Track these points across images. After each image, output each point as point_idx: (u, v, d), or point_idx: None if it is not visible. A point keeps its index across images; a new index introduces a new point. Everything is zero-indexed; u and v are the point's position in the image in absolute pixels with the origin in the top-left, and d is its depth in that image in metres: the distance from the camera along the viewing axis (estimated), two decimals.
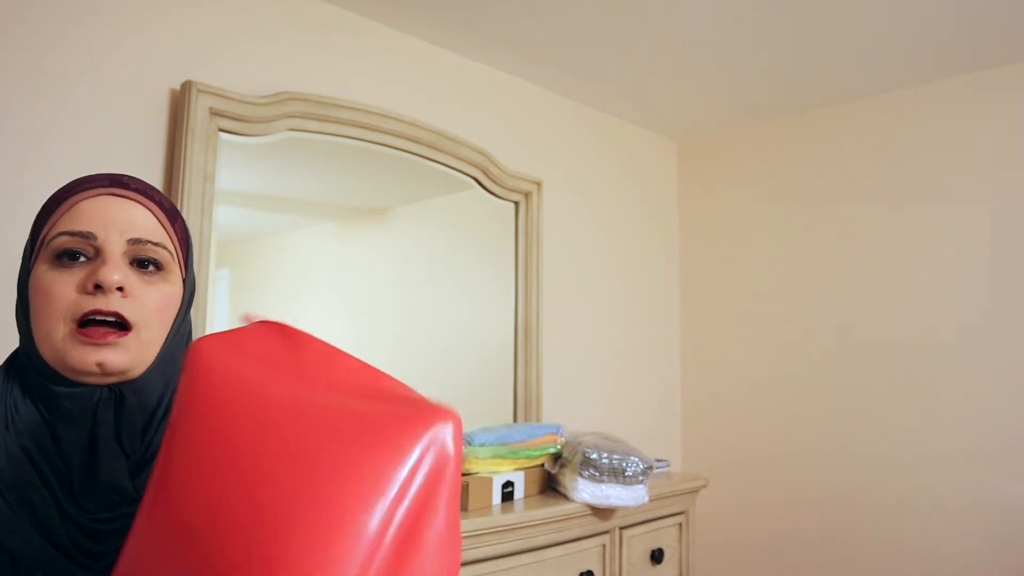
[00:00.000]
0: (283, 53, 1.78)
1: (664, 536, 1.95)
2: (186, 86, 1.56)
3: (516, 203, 2.25)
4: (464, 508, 1.54)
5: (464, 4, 1.89)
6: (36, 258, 0.74)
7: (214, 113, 1.58)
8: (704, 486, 2.12)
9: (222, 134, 1.61)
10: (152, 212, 0.76)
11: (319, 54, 1.85)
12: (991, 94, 2.19)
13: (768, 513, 2.53)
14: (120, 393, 0.72)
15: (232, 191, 1.65)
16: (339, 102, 1.79)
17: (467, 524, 1.43)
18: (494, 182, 2.16)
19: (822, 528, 2.39)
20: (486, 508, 1.58)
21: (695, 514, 2.12)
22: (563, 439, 1.85)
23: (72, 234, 0.71)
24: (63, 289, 0.70)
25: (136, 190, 0.76)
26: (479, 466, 1.66)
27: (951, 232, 2.23)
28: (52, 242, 0.72)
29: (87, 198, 0.73)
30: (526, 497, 1.72)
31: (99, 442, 0.69)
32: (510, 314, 2.20)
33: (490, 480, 1.63)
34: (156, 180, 1.56)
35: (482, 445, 1.67)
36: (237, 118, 1.62)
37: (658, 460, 2.12)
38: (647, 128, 2.79)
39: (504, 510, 1.57)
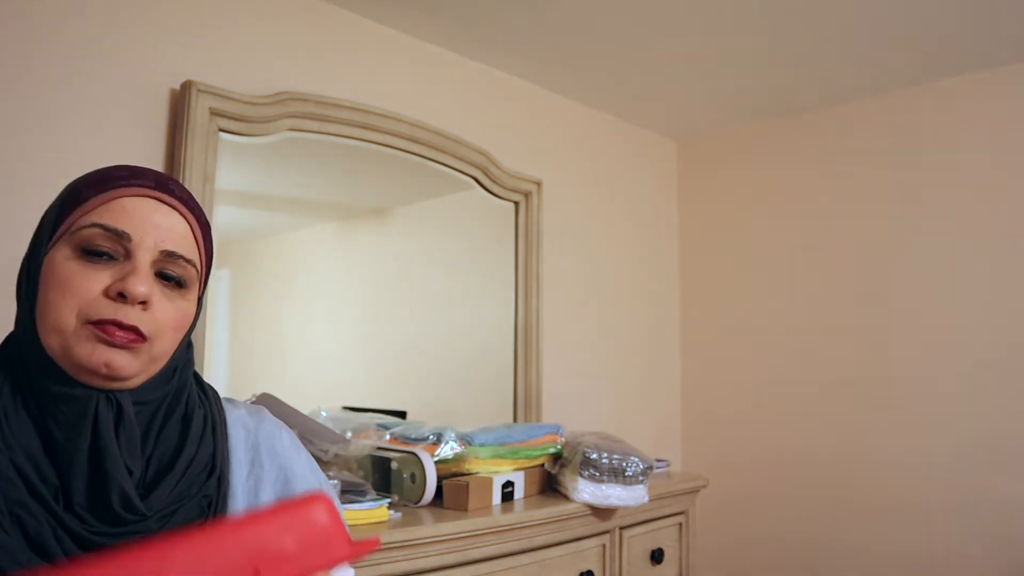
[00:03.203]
0: (283, 53, 1.78)
1: (664, 536, 1.95)
2: (186, 86, 1.56)
3: (516, 203, 2.24)
4: (464, 508, 1.54)
5: (464, 4, 1.89)
6: (55, 242, 0.69)
7: (214, 113, 1.58)
8: (704, 486, 2.12)
9: (222, 134, 1.61)
10: (190, 225, 0.74)
11: (319, 54, 1.85)
12: (991, 94, 2.19)
13: (768, 513, 2.53)
14: (118, 403, 0.69)
15: (232, 191, 1.65)
16: (339, 102, 1.78)
17: (467, 524, 1.43)
18: (494, 182, 2.16)
19: (822, 528, 2.39)
20: (486, 508, 1.58)
21: (695, 514, 2.11)
22: (563, 439, 1.85)
23: (107, 229, 0.68)
24: (85, 285, 0.67)
25: (180, 199, 0.73)
26: (479, 466, 1.66)
27: (951, 231, 2.23)
28: (81, 231, 0.68)
29: (129, 196, 0.69)
30: (526, 497, 1.72)
31: (105, 456, 0.66)
32: (510, 314, 2.20)
33: (490, 480, 1.63)
34: None
35: (482, 445, 1.67)
36: (237, 118, 1.62)
37: (658, 460, 2.12)
38: (647, 128, 2.79)
39: (504, 510, 1.57)
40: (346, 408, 1.87)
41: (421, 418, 1.91)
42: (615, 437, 1.90)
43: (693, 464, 2.75)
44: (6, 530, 0.62)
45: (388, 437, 1.69)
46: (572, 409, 2.36)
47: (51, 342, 0.67)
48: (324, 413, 1.72)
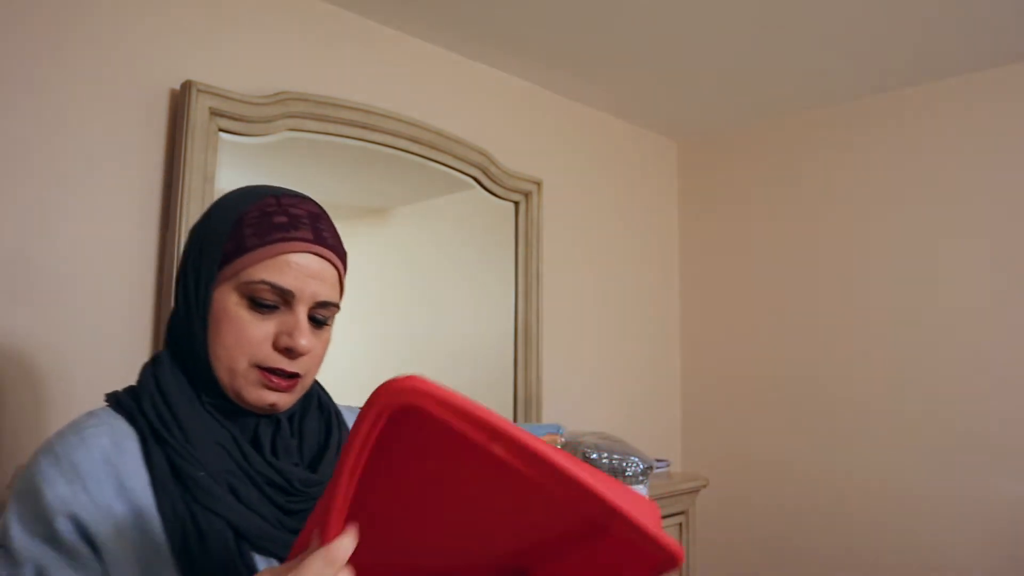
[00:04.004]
0: (283, 53, 1.78)
1: None
2: (186, 86, 1.56)
3: (516, 203, 2.24)
4: None
5: (464, 4, 1.89)
6: (223, 280, 0.78)
7: (214, 113, 1.58)
8: (704, 486, 2.12)
9: (222, 134, 1.61)
10: (337, 270, 0.82)
11: (319, 54, 1.85)
12: (991, 94, 2.19)
13: (768, 513, 2.53)
14: (277, 420, 0.82)
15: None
16: (339, 102, 1.78)
17: None
18: (494, 182, 2.16)
19: (822, 528, 2.39)
20: None
21: (695, 514, 2.12)
22: (563, 439, 1.85)
23: (274, 287, 0.77)
24: (255, 334, 0.77)
25: (331, 247, 0.81)
26: None
27: (951, 231, 2.23)
28: (252, 285, 0.76)
29: (293, 251, 0.78)
30: None
31: (270, 461, 0.79)
32: (510, 314, 2.20)
33: None
34: (156, 180, 1.56)
35: None
36: (237, 118, 1.62)
37: (658, 460, 2.12)
38: (647, 128, 2.79)
39: None
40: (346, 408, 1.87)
41: None
42: (615, 437, 1.91)
43: (693, 464, 2.75)
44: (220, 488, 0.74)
45: None
46: (572, 409, 2.36)
47: (223, 377, 0.78)
48: None
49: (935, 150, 2.28)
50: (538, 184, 2.28)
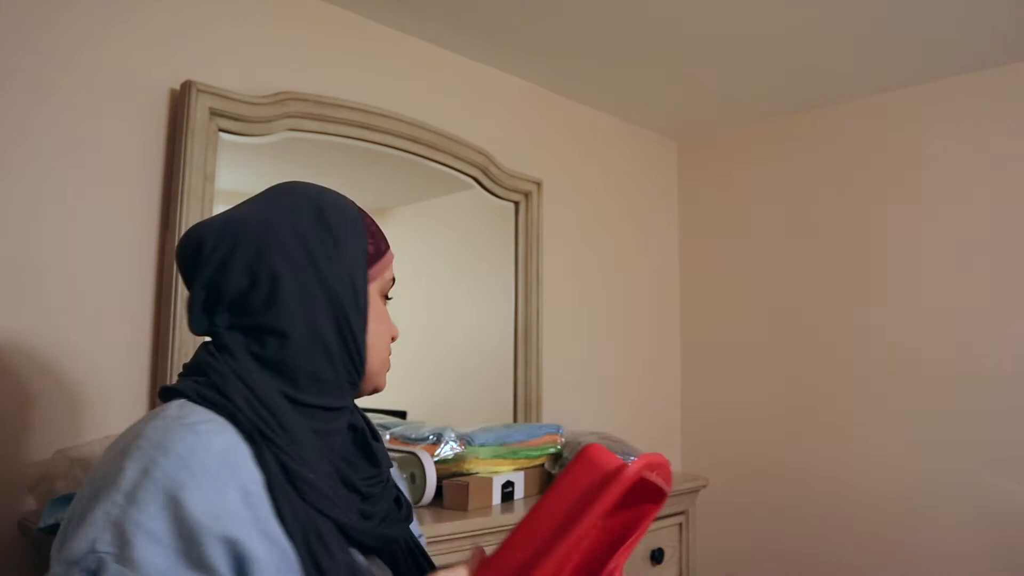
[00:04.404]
0: (283, 53, 1.78)
1: (664, 536, 1.95)
2: (186, 86, 1.56)
3: (516, 203, 2.24)
4: (464, 508, 1.54)
5: (464, 4, 1.89)
6: (369, 279, 0.84)
7: (214, 113, 1.58)
8: (704, 486, 2.12)
9: (222, 134, 1.61)
10: None
11: (319, 54, 1.85)
12: (991, 94, 2.19)
13: (768, 513, 2.53)
14: (355, 407, 0.90)
15: (232, 191, 1.65)
16: (339, 102, 1.78)
17: (467, 524, 1.43)
18: (494, 182, 2.16)
19: (822, 528, 2.39)
20: (486, 508, 1.58)
21: (695, 514, 2.11)
22: (563, 439, 1.85)
23: (392, 284, 0.89)
24: (390, 327, 0.88)
25: None
26: (479, 466, 1.66)
27: (951, 231, 2.23)
28: (388, 283, 0.88)
29: (391, 257, 0.89)
30: (526, 497, 1.72)
31: (364, 442, 0.87)
32: (510, 314, 2.20)
33: (490, 480, 1.63)
34: (156, 180, 1.56)
35: (482, 445, 1.67)
36: (237, 118, 1.62)
37: None
38: (647, 128, 2.79)
39: (504, 510, 1.57)
40: None
41: (421, 418, 1.91)
42: (615, 437, 1.91)
43: (693, 464, 2.75)
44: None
45: (388, 437, 1.69)
46: (572, 409, 2.36)
47: (378, 367, 0.85)
48: None
49: (935, 150, 2.28)
50: (538, 184, 2.28)
